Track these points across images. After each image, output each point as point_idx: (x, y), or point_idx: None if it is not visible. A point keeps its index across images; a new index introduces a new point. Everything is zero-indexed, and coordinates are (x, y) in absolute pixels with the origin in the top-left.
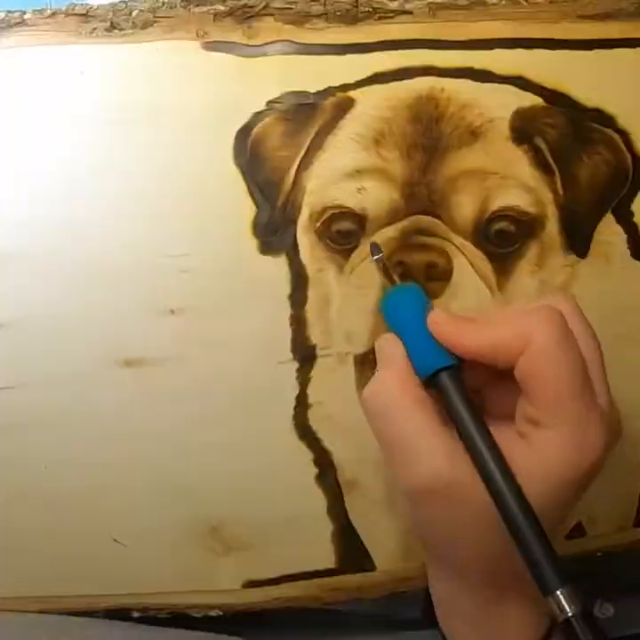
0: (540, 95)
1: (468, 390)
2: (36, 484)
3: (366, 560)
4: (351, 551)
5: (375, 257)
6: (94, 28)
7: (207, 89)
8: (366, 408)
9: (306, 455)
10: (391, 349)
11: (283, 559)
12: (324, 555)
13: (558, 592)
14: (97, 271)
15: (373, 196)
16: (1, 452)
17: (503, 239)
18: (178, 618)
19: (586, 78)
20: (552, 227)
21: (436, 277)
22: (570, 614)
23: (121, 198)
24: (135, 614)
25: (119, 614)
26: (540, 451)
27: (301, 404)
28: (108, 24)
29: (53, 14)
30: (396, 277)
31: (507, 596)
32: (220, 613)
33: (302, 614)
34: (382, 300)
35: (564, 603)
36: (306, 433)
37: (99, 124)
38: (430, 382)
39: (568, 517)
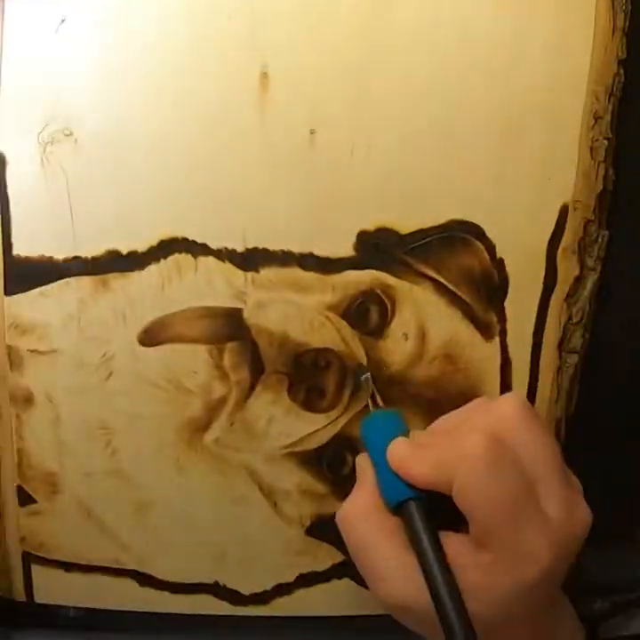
0: None
1: (430, 518)
2: None
3: None
4: None
5: (362, 377)
6: None
7: None
8: (341, 528)
9: None
10: (363, 471)
11: None
12: None
13: None
14: None
15: None
16: None
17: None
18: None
19: None
20: None
21: None
22: None
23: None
24: None
25: None
26: (485, 568)
27: None
28: None
29: None
30: (379, 401)
31: None
32: None
33: (302, 615)
34: (362, 421)
35: None
36: None
37: None
38: (397, 510)
39: None
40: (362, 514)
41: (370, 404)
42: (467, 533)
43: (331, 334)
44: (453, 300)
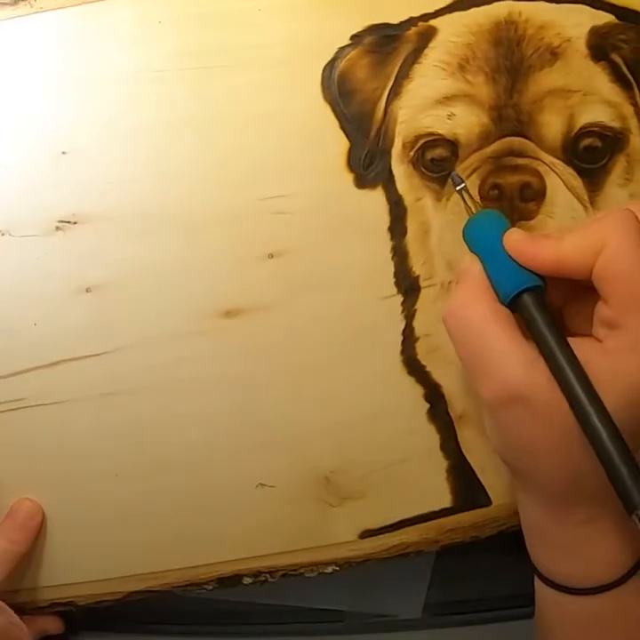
0: (612, 12)
1: (549, 308)
2: (142, 453)
3: (481, 495)
4: (466, 487)
5: (458, 187)
6: None
7: (289, 28)
8: (447, 325)
9: (416, 391)
10: (469, 268)
11: (398, 504)
12: (439, 494)
13: None
14: (188, 223)
15: (463, 121)
16: (106, 422)
17: (591, 155)
18: (290, 579)
19: None
20: (637, 139)
21: (530, 197)
22: None
23: (207, 147)
24: (246, 580)
25: (230, 582)
26: (618, 352)
27: (408, 338)
28: None
29: None
30: (476, 206)
31: (594, 518)
32: (337, 568)
33: (302, 613)
34: (465, 225)
35: None
36: (415, 368)
37: (180, 73)
38: (513, 305)
39: None
40: (473, 301)
41: (468, 211)
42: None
43: None
44: None
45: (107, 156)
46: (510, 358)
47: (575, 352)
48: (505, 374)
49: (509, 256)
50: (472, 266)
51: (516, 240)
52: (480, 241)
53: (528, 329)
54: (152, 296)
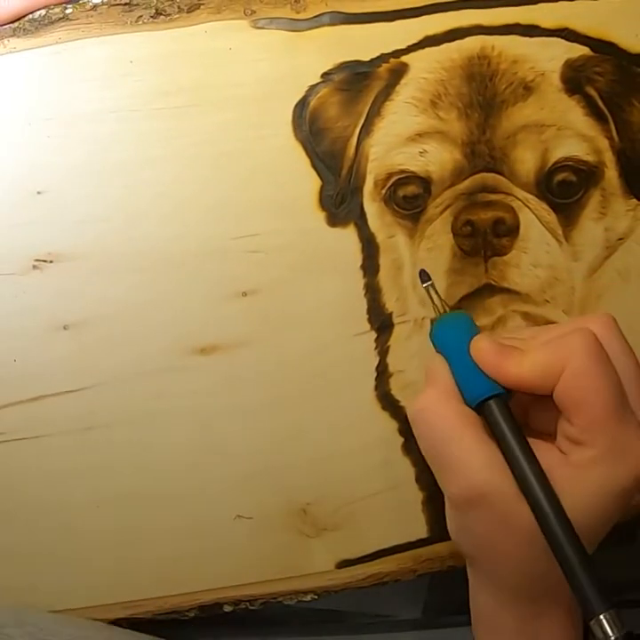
0: (587, 45)
1: (514, 415)
2: (122, 485)
3: None
4: (442, 518)
5: (425, 284)
6: (140, 17)
7: (260, 67)
8: (414, 425)
9: (390, 425)
10: (437, 369)
11: (375, 535)
12: (415, 525)
13: (602, 616)
14: (163, 261)
15: (436, 158)
16: (85, 455)
17: (565, 189)
18: (271, 608)
19: (629, 25)
20: (611, 173)
21: (503, 233)
22: (612, 638)
23: (180, 186)
24: (227, 608)
25: (210, 610)
26: (579, 467)
27: (382, 374)
28: (153, 11)
29: (95, 7)
30: (444, 306)
31: (546, 611)
32: (315, 597)
33: (303, 614)
34: (431, 326)
35: (607, 627)
36: (389, 403)
37: (152, 112)
38: (478, 409)
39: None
40: (439, 403)
41: (435, 310)
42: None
43: None
44: None
45: (81, 196)
46: (474, 460)
47: (539, 459)
48: (469, 475)
49: (474, 363)
50: (440, 367)
51: (481, 350)
52: (447, 343)
53: (493, 434)
54: (128, 333)
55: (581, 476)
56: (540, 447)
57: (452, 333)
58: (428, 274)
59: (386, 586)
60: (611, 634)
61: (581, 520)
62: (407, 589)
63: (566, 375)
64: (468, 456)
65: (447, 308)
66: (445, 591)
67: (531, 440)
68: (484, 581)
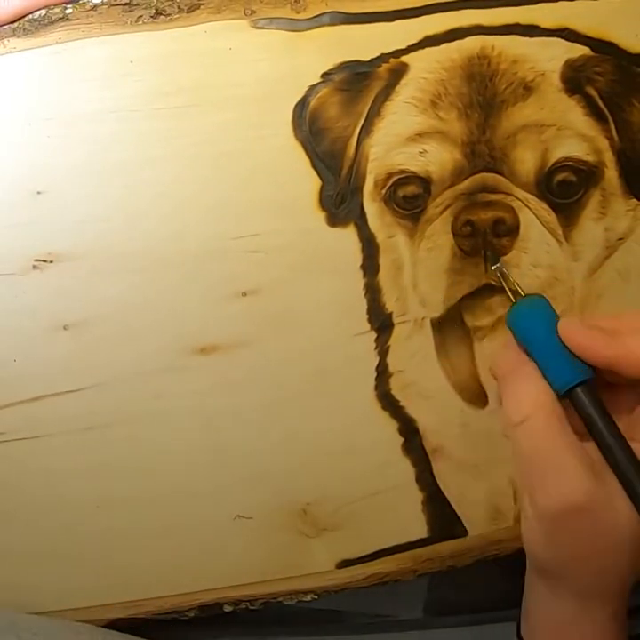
0: (587, 45)
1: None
2: (122, 485)
3: (457, 526)
4: (442, 518)
5: (494, 266)
6: (140, 17)
7: (260, 67)
8: (513, 434)
9: (390, 425)
10: (520, 363)
11: (375, 535)
12: (415, 525)
13: None
14: (163, 262)
15: (436, 158)
16: (85, 455)
17: (565, 189)
18: (271, 607)
19: (629, 25)
20: (611, 173)
21: (503, 233)
22: None
23: (180, 186)
24: (227, 608)
25: (211, 609)
26: None
27: (382, 374)
28: (153, 11)
29: (95, 7)
30: (519, 288)
31: (618, 611)
32: (315, 597)
33: (303, 614)
34: (509, 313)
35: None
36: (389, 403)
37: (152, 112)
38: (565, 397)
39: None
40: (536, 408)
41: (510, 295)
42: None
43: None
44: None
45: (81, 196)
46: (574, 469)
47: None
48: (568, 485)
49: (560, 347)
50: (524, 363)
51: (571, 332)
52: (529, 330)
53: (586, 424)
54: (128, 333)
55: None
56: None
57: (532, 320)
58: (496, 255)
59: (386, 586)
60: None
61: None
62: (407, 589)
63: None
64: (568, 464)
65: (522, 292)
66: (445, 591)
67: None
68: (565, 591)
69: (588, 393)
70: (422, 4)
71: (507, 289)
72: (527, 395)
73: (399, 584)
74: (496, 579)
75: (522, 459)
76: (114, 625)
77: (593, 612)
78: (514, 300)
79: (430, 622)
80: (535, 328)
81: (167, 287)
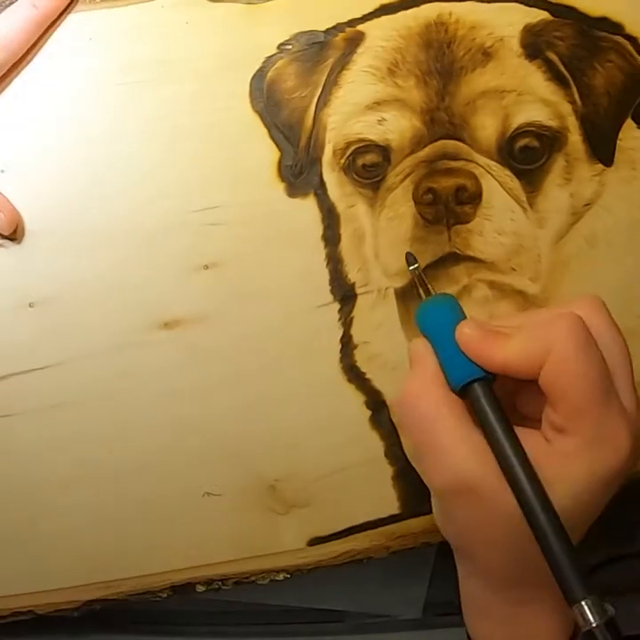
0: (546, 9)
1: (499, 400)
2: (90, 463)
3: (429, 501)
4: (413, 494)
5: (411, 267)
6: None
7: (216, 40)
8: (398, 412)
9: (357, 398)
10: (421, 353)
11: (345, 511)
12: (386, 501)
13: (582, 602)
14: (125, 237)
15: (395, 126)
16: (54, 433)
17: (528, 155)
18: (243, 587)
19: None
20: (575, 138)
21: (466, 200)
22: (594, 625)
23: (141, 159)
24: (200, 588)
25: (184, 589)
26: (564, 455)
27: (346, 346)
28: None
29: None
30: (431, 288)
31: (534, 597)
32: (288, 576)
33: (303, 613)
34: (418, 309)
35: (588, 613)
36: (355, 375)
37: (111, 88)
38: (462, 393)
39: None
40: (424, 389)
41: (421, 293)
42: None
43: None
44: None
45: (42, 173)
46: (460, 448)
47: (524, 446)
48: (453, 464)
49: (458, 348)
50: (424, 352)
51: (467, 335)
52: (432, 327)
53: (478, 419)
54: (92, 310)
55: (567, 464)
56: (525, 433)
57: (437, 317)
58: (414, 257)
59: (386, 586)
60: (592, 621)
61: (569, 508)
62: (407, 589)
63: (550, 361)
64: (453, 445)
65: (433, 292)
66: (445, 591)
67: (517, 426)
68: (471, 568)
69: (482, 388)
70: None
71: (420, 289)
72: (421, 378)
73: (399, 584)
74: None
75: (410, 438)
76: (88, 606)
77: (497, 593)
78: (423, 298)
79: (430, 622)
80: (438, 326)
81: (129, 262)
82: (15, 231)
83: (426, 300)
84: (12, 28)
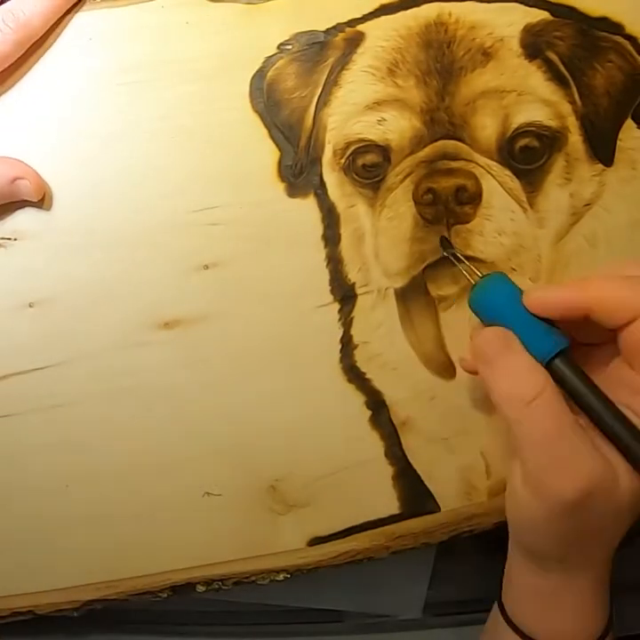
0: (546, 9)
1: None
2: (90, 463)
3: (429, 501)
4: (413, 493)
5: (446, 252)
6: None
7: (216, 40)
8: (511, 418)
9: (357, 398)
10: (502, 343)
11: (345, 511)
12: (386, 501)
13: None
14: (125, 237)
15: (395, 126)
16: (53, 433)
17: (528, 155)
18: (243, 587)
19: None
20: (575, 138)
21: (466, 200)
22: None
23: (141, 160)
24: (200, 588)
25: (184, 589)
26: None
27: (346, 346)
28: None
29: None
30: (475, 269)
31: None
32: (288, 576)
33: (303, 613)
34: (471, 295)
35: None
36: (355, 375)
37: (111, 88)
38: (548, 365)
39: None
40: (536, 390)
41: (468, 278)
42: None
43: None
44: None
45: (44, 173)
46: (586, 451)
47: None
48: (583, 469)
49: (531, 320)
50: (511, 340)
51: (541, 297)
52: (495, 309)
53: (573, 398)
54: (92, 310)
55: None
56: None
57: (497, 298)
58: (449, 241)
59: (384, 585)
60: None
61: None
62: (407, 589)
63: None
64: (579, 448)
65: (479, 273)
66: (445, 591)
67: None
68: (552, 565)
69: (567, 363)
70: None
71: (464, 273)
72: (527, 375)
73: (400, 584)
74: (496, 579)
75: (530, 443)
76: (88, 606)
77: (577, 580)
78: (473, 283)
79: (430, 622)
80: (501, 305)
81: (129, 262)
82: (43, 198)
83: (478, 283)
84: (34, 6)
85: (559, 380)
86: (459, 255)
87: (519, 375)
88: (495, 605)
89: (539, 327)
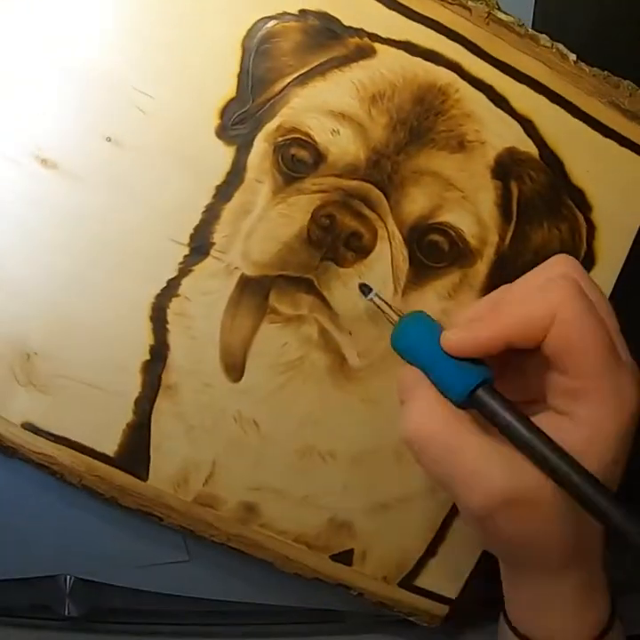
0: (538, 147)
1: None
2: None
3: (142, 468)
4: (134, 451)
5: (369, 296)
6: None
7: None
8: (414, 447)
9: (146, 337)
10: (413, 380)
11: (71, 420)
12: (109, 440)
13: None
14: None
15: (342, 144)
16: None
17: (432, 251)
18: (243, 586)
19: (586, 159)
20: (481, 268)
21: (354, 248)
22: None
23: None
24: None
25: None
26: (591, 421)
27: (170, 289)
28: None
29: None
30: (397, 312)
31: (595, 573)
32: None
33: (303, 613)
34: (393, 335)
35: None
36: (158, 317)
37: None
38: (466, 403)
39: None
40: (432, 418)
41: (389, 318)
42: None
43: None
44: None
45: None
46: (492, 466)
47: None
48: (491, 484)
49: (448, 358)
50: (417, 379)
51: (454, 337)
52: (414, 349)
53: (493, 422)
54: None
55: (594, 431)
56: (541, 420)
57: (417, 337)
58: (368, 286)
59: None
60: None
61: (600, 473)
62: None
63: (561, 324)
64: (483, 465)
65: (400, 313)
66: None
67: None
68: (534, 571)
69: (487, 392)
70: (423, 13)
71: (385, 315)
72: (425, 407)
73: None
74: (496, 579)
75: (437, 472)
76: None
77: (568, 578)
78: (394, 322)
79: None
80: (419, 345)
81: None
82: None
83: (398, 323)
84: None
85: (483, 412)
86: (381, 297)
87: (413, 415)
88: (502, 616)
89: (454, 366)
